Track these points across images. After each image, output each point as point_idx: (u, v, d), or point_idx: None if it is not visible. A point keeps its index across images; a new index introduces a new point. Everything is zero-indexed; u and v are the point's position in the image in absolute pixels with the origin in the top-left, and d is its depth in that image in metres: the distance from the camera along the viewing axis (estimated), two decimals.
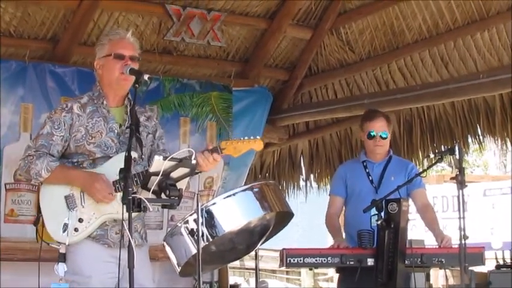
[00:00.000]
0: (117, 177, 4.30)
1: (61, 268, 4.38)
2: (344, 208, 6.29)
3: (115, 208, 4.33)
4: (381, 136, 6.08)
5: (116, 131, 4.53)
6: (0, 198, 6.70)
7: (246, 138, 4.48)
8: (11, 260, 6.63)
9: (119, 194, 4.27)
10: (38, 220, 4.48)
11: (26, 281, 6.23)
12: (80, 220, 4.39)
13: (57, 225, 4.39)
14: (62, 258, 4.40)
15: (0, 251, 6.57)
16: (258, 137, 4.53)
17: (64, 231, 4.36)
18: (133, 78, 4.37)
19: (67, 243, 4.37)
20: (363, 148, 6.42)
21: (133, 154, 4.34)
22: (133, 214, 4.11)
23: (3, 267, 6.58)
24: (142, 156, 4.55)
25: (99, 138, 4.49)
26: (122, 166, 4.09)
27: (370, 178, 6.11)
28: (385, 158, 6.18)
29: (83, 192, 4.42)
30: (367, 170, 6.14)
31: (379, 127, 6.09)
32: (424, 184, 6.26)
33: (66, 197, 4.42)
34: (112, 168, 4.35)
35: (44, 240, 4.45)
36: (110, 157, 4.47)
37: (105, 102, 4.57)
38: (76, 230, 4.38)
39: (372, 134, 6.09)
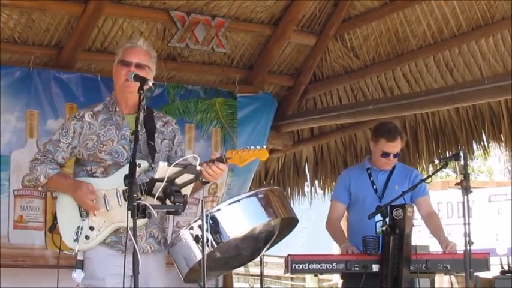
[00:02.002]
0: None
1: (78, 274, 4.42)
2: (347, 215, 6.29)
3: (124, 216, 4.33)
4: (394, 155, 6.08)
5: (128, 139, 4.56)
6: (9, 204, 6.71)
7: (251, 147, 4.47)
8: (21, 266, 6.64)
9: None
10: (53, 227, 4.54)
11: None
12: (91, 228, 4.44)
13: (70, 233, 4.45)
14: (80, 265, 4.45)
15: (0, 256, 6.57)
16: (263, 146, 4.53)
17: (76, 238, 4.42)
18: (137, 84, 4.41)
19: (76, 250, 4.42)
20: (367, 154, 6.39)
21: (143, 163, 4.36)
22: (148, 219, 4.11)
23: (4, 274, 6.57)
24: (153, 165, 4.53)
25: (110, 146, 4.53)
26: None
27: (375, 187, 6.10)
28: None
29: None
30: (371, 179, 6.13)
31: (395, 147, 6.05)
32: (428, 191, 6.25)
33: (80, 206, 4.47)
34: (122, 177, 4.34)
35: (58, 247, 4.51)
36: (122, 165, 4.48)
37: (117, 109, 4.62)
38: (87, 237, 4.43)
39: (387, 153, 6.06)
